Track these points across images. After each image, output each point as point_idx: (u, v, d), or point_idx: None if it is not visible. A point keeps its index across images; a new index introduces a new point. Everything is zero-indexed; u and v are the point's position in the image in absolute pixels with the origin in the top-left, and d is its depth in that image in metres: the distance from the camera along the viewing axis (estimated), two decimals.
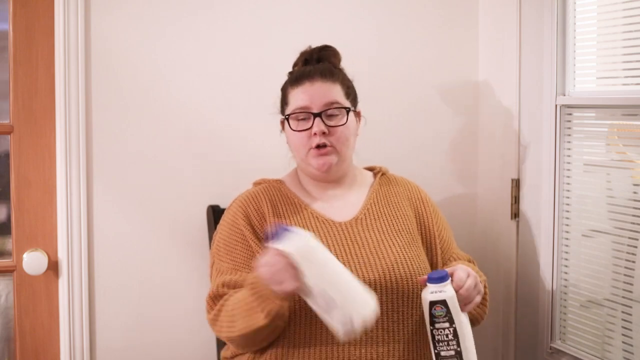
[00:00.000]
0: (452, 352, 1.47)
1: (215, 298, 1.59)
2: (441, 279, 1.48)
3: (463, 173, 2.31)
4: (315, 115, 1.63)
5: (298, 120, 1.66)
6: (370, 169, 1.83)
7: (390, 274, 1.58)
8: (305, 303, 1.44)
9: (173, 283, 2.04)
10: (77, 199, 1.93)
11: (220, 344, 1.91)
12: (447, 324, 1.47)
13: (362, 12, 2.17)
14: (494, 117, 2.24)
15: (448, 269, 1.53)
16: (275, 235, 1.40)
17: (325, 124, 1.63)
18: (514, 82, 2.13)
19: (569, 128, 1.97)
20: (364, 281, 1.53)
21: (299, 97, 1.66)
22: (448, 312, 1.47)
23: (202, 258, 2.01)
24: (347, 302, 1.37)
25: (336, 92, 1.67)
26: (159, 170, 2.02)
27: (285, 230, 1.40)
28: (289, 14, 2.10)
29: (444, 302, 1.47)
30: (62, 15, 1.89)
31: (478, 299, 1.55)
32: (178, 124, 2.02)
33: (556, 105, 1.96)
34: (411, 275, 1.59)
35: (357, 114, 1.74)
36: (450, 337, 1.47)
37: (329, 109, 1.65)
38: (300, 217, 1.66)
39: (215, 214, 1.97)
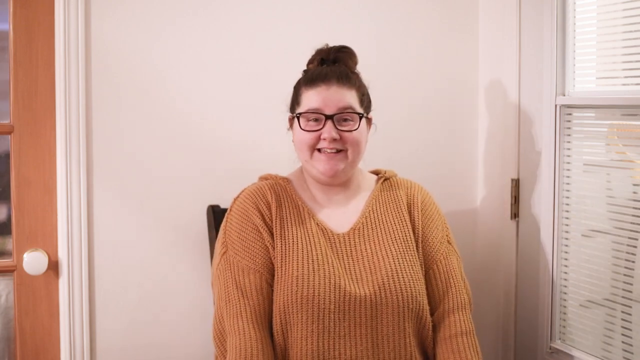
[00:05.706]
0: None
1: (228, 303, 1.57)
2: None
3: (463, 173, 2.32)
4: (328, 117, 1.60)
5: (308, 120, 1.63)
6: (376, 172, 1.81)
7: (382, 290, 1.57)
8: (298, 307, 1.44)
9: (173, 283, 2.04)
10: (77, 199, 1.93)
11: None
12: None
13: (362, 12, 2.17)
14: (493, 117, 2.24)
15: None
16: None
17: (337, 129, 1.61)
18: (514, 82, 2.13)
19: (569, 128, 1.97)
20: (358, 297, 1.55)
21: (313, 98, 1.62)
22: None
23: (202, 258, 2.01)
24: None
25: (351, 98, 1.63)
26: (159, 170, 2.01)
27: None
28: (289, 17, 2.10)
29: None
30: (62, 15, 1.89)
31: None
32: (178, 124, 2.02)
33: (556, 105, 1.97)
34: (402, 290, 1.58)
35: (369, 121, 1.71)
36: None
37: (342, 112, 1.62)
38: (303, 225, 1.64)
39: (215, 214, 1.97)
